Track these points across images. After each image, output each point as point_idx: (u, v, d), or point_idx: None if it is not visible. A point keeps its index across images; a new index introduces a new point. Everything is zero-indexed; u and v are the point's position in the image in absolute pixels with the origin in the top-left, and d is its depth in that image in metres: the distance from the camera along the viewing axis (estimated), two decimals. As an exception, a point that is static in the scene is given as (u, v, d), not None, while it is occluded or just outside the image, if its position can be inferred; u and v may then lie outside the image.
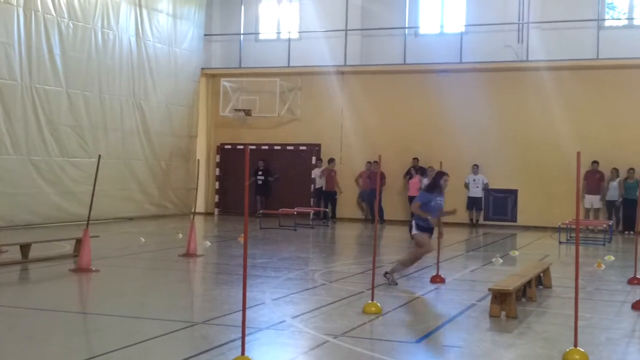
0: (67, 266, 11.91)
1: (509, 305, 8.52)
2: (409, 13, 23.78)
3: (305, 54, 24.05)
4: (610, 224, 19.11)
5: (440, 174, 10.78)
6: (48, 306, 8.88)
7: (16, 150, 18.36)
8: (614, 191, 20.70)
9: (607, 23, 22.39)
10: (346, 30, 23.74)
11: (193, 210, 14.97)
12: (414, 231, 10.72)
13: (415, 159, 22.55)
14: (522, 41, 22.23)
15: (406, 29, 23.68)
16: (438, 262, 11.31)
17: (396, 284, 10.55)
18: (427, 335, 7.67)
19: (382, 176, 22.56)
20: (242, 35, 25.27)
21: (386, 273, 10.70)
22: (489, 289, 8.76)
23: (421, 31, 24.22)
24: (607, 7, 22.62)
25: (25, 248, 12.52)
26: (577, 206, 7.15)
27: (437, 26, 24.05)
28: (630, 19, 22.34)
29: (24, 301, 9.26)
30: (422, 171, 22.16)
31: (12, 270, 11.80)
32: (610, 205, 20.87)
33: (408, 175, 22.56)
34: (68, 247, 13.58)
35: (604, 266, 13.18)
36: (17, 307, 8.75)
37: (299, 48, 24.44)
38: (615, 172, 20.69)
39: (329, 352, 6.94)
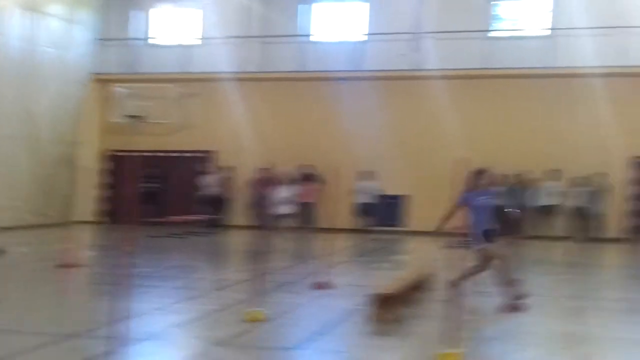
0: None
1: (391, 309, 8.63)
2: (308, 21, 23.94)
3: (204, 61, 23.79)
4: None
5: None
6: None
7: None
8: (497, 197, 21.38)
9: (494, 34, 23.21)
10: (243, 36, 23.67)
11: (78, 219, 14.50)
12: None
13: (310, 166, 22.55)
14: (418, 50, 22.76)
15: (300, 36, 23.86)
16: (324, 269, 11.35)
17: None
18: (309, 341, 7.67)
19: (279, 183, 22.58)
20: (136, 41, 24.74)
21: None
22: (372, 294, 8.86)
23: (319, 39, 24.42)
24: (494, 19, 23.47)
25: None
26: (443, 213, 7.32)
27: (336, 34, 24.30)
28: (516, 30, 23.21)
29: None
30: (316, 178, 22.22)
31: None
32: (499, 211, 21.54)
33: (302, 181, 22.55)
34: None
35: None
36: None
37: (198, 54, 24.15)
38: (504, 178, 21.40)
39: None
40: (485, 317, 9.01)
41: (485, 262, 9.75)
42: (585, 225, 20.94)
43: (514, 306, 9.44)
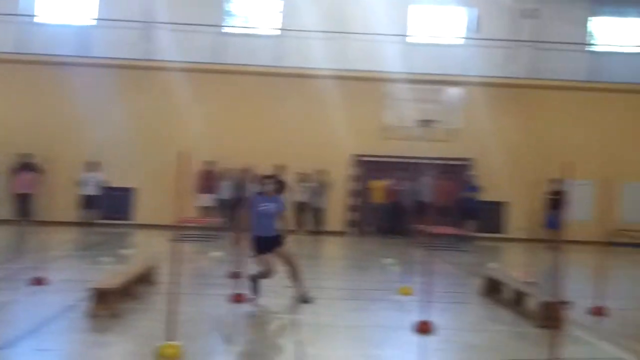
0: None
1: (110, 303, 8.41)
2: (31, 1, 22.46)
3: None
4: (221, 221, 20.06)
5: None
6: None
7: None
8: (226, 190, 21.77)
9: (227, 30, 23.49)
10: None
11: None
12: None
13: (25, 154, 21.17)
14: (149, 40, 22.33)
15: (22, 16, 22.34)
16: (41, 264, 10.73)
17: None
18: (18, 340, 7.20)
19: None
20: None
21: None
22: (90, 288, 8.56)
23: (39, 20, 22.97)
24: (227, 15, 23.74)
25: None
26: (179, 207, 7.30)
27: (63, 17, 23.02)
28: (248, 27, 23.67)
29: None
30: (33, 167, 20.94)
31: None
32: (221, 204, 21.90)
33: (16, 170, 21.10)
34: None
35: (210, 262, 13.72)
36: None
37: None
38: (229, 172, 21.80)
39: None
40: (205, 311, 9.08)
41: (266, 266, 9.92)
42: (308, 219, 22.05)
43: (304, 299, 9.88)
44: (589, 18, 23.58)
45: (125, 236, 19.29)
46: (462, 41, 23.22)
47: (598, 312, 9.78)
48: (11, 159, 21.12)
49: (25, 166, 20.98)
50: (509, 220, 22.66)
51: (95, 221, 21.40)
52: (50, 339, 7.46)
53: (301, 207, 22.06)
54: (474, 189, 21.54)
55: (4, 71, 21.83)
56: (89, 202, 21.35)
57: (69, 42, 22.21)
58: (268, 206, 9.98)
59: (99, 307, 8.39)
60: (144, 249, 16.08)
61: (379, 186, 22.08)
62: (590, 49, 23.42)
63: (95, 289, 8.49)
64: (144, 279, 10.49)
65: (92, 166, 21.25)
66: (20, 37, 22.20)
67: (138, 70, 22.12)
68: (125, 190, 22.02)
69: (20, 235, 18.57)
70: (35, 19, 23.02)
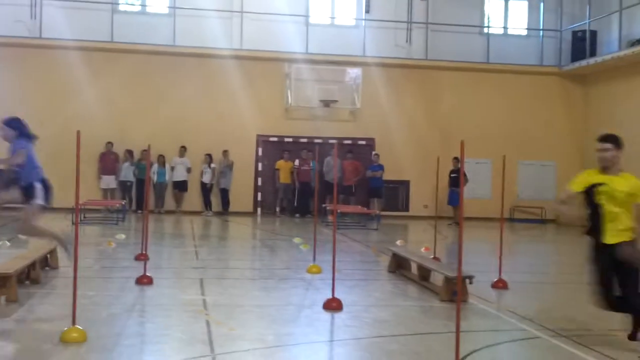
0: None
1: (9, 288, 8.08)
2: None
3: None
4: (124, 203, 19.63)
5: None
6: None
7: None
8: (127, 171, 21.31)
9: (121, 8, 22.82)
10: None
11: None
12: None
13: None
14: (35, 17, 21.46)
15: None
16: None
17: None
18: None
19: None
20: None
21: None
22: (-14, 274, 8.19)
23: None
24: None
25: None
26: (77, 189, 7.08)
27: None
28: (143, 5, 23.07)
29: None
30: None
31: None
32: (123, 186, 21.42)
33: None
34: None
35: (114, 244, 13.42)
36: None
37: None
38: (129, 153, 21.34)
39: None
40: (110, 295, 8.86)
41: None
42: (212, 199, 21.86)
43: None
44: (484, 0, 24.18)
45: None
46: (358, 22, 23.35)
47: (500, 285, 10.10)
48: None
49: None
50: (413, 199, 23.11)
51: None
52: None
53: (206, 188, 21.86)
54: (377, 168, 21.86)
55: None
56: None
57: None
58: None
59: (-3, 293, 8.05)
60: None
61: (285, 166, 22.09)
62: (485, 32, 24.03)
63: (-9, 274, 8.13)
64: (45, 263, 10.15)
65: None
66: None
67: (27, 49, 21.24)
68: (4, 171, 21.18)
69: None
70: None
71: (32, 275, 9.23)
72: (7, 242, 13.19)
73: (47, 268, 10.17)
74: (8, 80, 21.08)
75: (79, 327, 6.61)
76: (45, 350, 6.33)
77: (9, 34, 21.01)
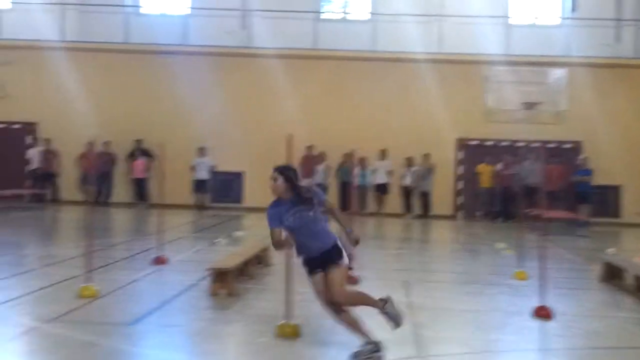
0: None
1: (228, 283, 8.63)
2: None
3: (19, 26, 22.36)
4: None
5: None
6: None
7: None
8: (321, 175, 21.89)
9: (324, 16, 23.59)
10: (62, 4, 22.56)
11: None
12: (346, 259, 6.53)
13: (138, 140, 22.05)
14: (245, 27, 22.70)
15: (127, 7, 23.12)
16: (160, 245, 11.13)
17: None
18: (144, 317, 7.51)
19: (112, 158, 21.90)
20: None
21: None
22: (208, 268, 8.82)
23: (144, 11, 23.76)
24: (323, 2, 23.86)
25: None
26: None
27: (161, 6, 23.71)
28: (345, 13, 23.68)
29: None
30: (146, 153, 21.79)
31: None
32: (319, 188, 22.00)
33: (132, 156, 22.05)
34: None
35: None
36: None
37: (12, 19, 22.68)
38: (320, 156, 21.98)
39: (38, 339, 6.54)
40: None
41: None
42: (413, 202, 21.96)
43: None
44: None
45: (236, 219, 19.75)
46: (563, 21, 22.42)
47: None
48: (128, 146, 22.05)
49: (140, 152, 21.86)
50: (624, 205, 21.85)
51: (207, 204, 22.07)
52: (174, 316, 7.73)
53: (407, 191, 22.00)
54: (585, 172, 20.87)
55: (116, 61, 22.61)
56: (200, 186, 22.04)
57: (170, 31, 22.82)
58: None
59: (218, 287, 8.63)
60: (255, 231, 16.40)
61: (487, 170, 21.71)
62: None
63: (214, 269, 8.74)
64: (259, 260, 10.73)
65: (203, 151, 21.90)
66: (127, 27, 22.91)
67: (236, 57, 22.47)
68: (234, 174, 22.52)
69: (138, 218, 19.37)
70: (141, 10, 23.80)
71: (248, 271, 9.79)
72: (222, 239, 14.07)
73: (260, 265, 10.74)
74: (219, 89, 22.39)
75: (292, 322, 6.93)
76: (261, 343, 6.70)
77: (221, 44, 22.38)
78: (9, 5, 23.13)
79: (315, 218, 6.38)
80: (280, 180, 6.45)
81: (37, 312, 7.44)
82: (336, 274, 6.33)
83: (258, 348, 6.52)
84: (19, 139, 22.51)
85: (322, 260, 6.37)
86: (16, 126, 22.56)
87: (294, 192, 6.42)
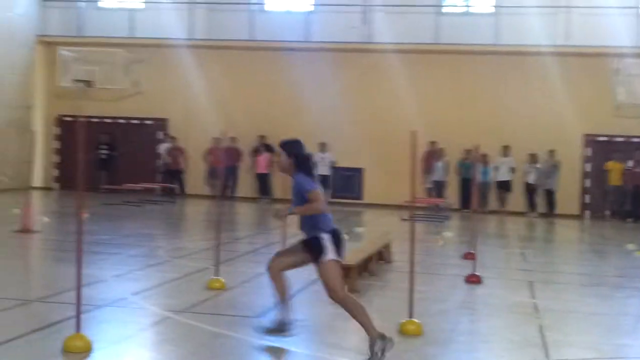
0: None
1: (350, 279, 8.71)
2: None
3: (151, 25, 23.35)
4: (446, 201, 20.07)
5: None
6: None
7: None
8: (440, 171, 21.65)
9: (445, 10, 23.33)
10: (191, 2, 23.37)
11: (30, 185, 14.20)
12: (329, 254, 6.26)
13: (262, 136, 22.58)
14: (367, 23, 22.76)
15: (252, 4, 23.66)
16: (284, 239, 11.34)
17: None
18: (270, 310, 7.69)
19: (238, 153, 22.50)
20: (81, 2, 24.11)
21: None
22: (332, 264, 8.92)
23: (268, 8, 24.26)
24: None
25: None
26: (412, 186, 7.41)
27: (285, 3, 24.12)
28: (467, 6, 23.33)
29: None
30: (270, 148, 22.26)
31: None
32: (438, 185, 21.78)
33: (256, 152, 22.61)
34: None
35: (442, 242, 13.78)
36: None
37: (144, 18, 23.71)
38: (440, 152, 21.71)
39: (170, 328, 6.83)
40: (441, 291, 9.15)
41: None
42: (537, 201, 21.39)
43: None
44: None
45: (356, 215, 19.89)
46: None
47: None
48: (252, 141, 22.63)
49: (263, 147, 22.38)
50: None
51: (327, 200, 22.29)
52: (298, 310, 7.87)
53: (531, 188, 21.45)
54: None
55: (241, 58, 23.22)
56: (321, 181, 22.26)
57: (293, 28, 23.15)
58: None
59: (340, 282, 8.72)
60: (376, 228, 16.46)
61: (616, 167, 20.85)
62: None
63: (337, 264, 8.84)
64: (380, 257, 10.77)
65: (324, 147, 22.15)
66: (252, 25, 23.44)
67: (357, 53, 22.57)
68: (355, 170, 22.65)
69: (261, 213, 19.86)
70: (265, 7, 24.31)
71: (369, 267, 9.85)
72: (344, 235, 14.16)
73: (381, 261, 10.78)
74: (340, 84, 22.54)
75: (415, 320, 6.93)
76: (385, 340, 6.72)
77: (343, 40, 22.54)
78: (142, 5, 24.19)
79: (294, 202, 6.34)
80: (284, 157, 6.40)
81: (168, 302, 7.77)
82: (321, 273, 6.25)
83: (381, 345, 6.55)
84: (151, 134, 23.56)
85: (305, 245, 6.35)
86: (148, 122, 23.60)
87: (299, 168, 6.32)
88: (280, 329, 6.53)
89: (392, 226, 16.82)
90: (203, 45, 23.21)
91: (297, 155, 6.37)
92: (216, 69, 23.03)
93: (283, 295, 6.61)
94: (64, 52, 22.96)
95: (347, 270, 8.67)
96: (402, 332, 6.83)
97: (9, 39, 22.37)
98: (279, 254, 6.68)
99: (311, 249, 6.25)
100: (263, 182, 22.47)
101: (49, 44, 23.89)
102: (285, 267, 6.58)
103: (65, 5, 24.35)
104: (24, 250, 11.82)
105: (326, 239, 6.22)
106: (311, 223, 6.25)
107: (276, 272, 6.58)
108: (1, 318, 6.84)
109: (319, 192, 6.27)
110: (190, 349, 6.10)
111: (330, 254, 6.19)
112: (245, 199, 22.22)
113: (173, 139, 23.02)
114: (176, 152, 22.91)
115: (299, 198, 6.28)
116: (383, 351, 5.95)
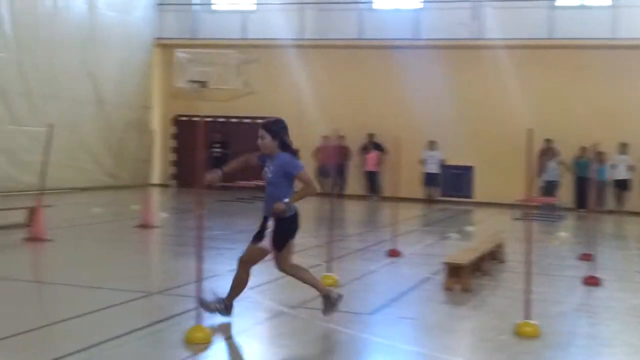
0: (20, 235, 11.69)
1: (463, 278, 8.62)
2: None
3: (261, 27, 23.83)
4: (557, 201, 19.53)
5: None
6: (1, 275, 8.72)
7: (-34, 117, 17.96)
8: (552, 171, 21.00)
9: (559, 3, 22.66)
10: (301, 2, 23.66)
11: (149, 182, 14.80)
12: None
13: (371, 134, 22.64)
14: (477, 18, 22.38)
15: (361, 3, 23.73)
16: (395, 237, 11.37)
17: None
18: (382, 307, 7.72)
19: (347, 151, 22.63)
20: (195, 5, 24.88)
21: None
22: (444, 263, 8.86)
23: (377, 6, 24.27)
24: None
25: (-25, 217, 12.27)
26: (529, 185, 7.25)
27: (393, 1, 24.07)
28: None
29: (-25, 270, 9.05)
30: (378, 146, 22.31)
31: (-38, 240, 11.57)
32: (549, 185, 21.15)
33: (365, 150, 22.68)
34: (20, 217, 13.30)
35: (556, 242, 13.42)
36: (-32, 276, 8.57)
37: (256, 20, 24.20)
38: (553, 150, 21.08)
39: (285, 323, 6.96)
40: (558, 292, 8.91)
41: None
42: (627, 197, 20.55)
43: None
44: None
45: (466, 213, 19.64)
46: None
47: None
48: (361, 139, 22.72)
49: (372, 145, 22.43)
50: None
51: (437, 198, 22.17)
52: (410, 308, 7.87)
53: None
54: None
55: (350, 56, 23.36)
56: (430, 179, 22.20)
57: (402, 26, 23.05)
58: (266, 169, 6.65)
59: (452, 282, 8.65)
60: (487, 227, 16.20)
61: None
62: None
63: (448, 263, 8.77)
64: (493, 256, 10.59)
65: (433, 145, 21.99)
66: (361, 23, 23.50)
67: (467, 50, 22.29)
68: (465, 169, 22.37)
69: (370, 210, 19.92)
70: (374, 6, 24.32)
71: (482, 267, 9.71)
72: (455, 233, 14.05)
73: (494, 261, 10.60)
74: (449, 82, 22.28)
75: (531, 322, 6.78)
76: (501, 341, 6.60)
77: (452, 37, 22.25)
78: (253, 7, 24.70)
79: (271, 182, 6.53)
80: (269, 138, 6.63)
81: (283, 297, 7.92)
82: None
83: (497, 345, 6.45)
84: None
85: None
86: (259, 121, 24.00)
87: (283, 149, 6.56)
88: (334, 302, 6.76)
89: (504, 225, 16.50)
90: (312, 45, 23.49)
91: (281, 137, 6.58)
92: (325, 68, 23.26)
93: (316, 283, 6.96)
94: (180, 54, 23.76)
95: (458, 269, 8.60)
96: (518, 333, 6.70)
97: (128, 42, 23.36)
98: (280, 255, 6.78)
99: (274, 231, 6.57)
100: (372, 180, 22.54)
101: (165, 46, 24.79)
102: (289, 258, 6.85)
103: (180, 9, 25.17)
104: (145, 245, 12.32)
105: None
106: (275, 201, 6.50)
107: (291, 268, 6.85)
108: (126, 309, 7.15)
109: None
110: (305, 344, 6.20)
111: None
112: (354, 197, 22.34)
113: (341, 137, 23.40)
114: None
115: (280, 177, 6.49)
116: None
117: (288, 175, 6.46)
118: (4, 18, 18.81)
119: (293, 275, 6.89)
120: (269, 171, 6.54)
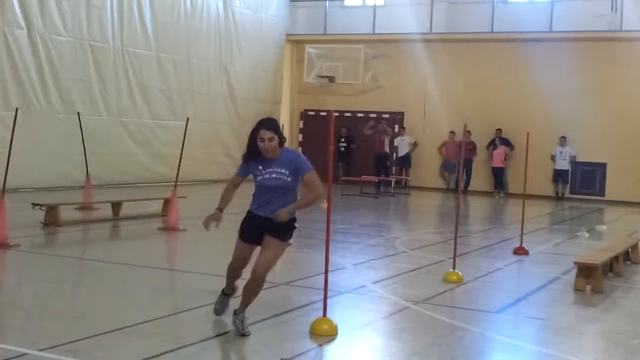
0: (156, 225, 12.29)
1: (594, 279, 8.35)
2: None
3: (390, 21, 23.82)
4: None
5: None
6: (137, 262, 9.23)
7: (108, 111, 19.00)
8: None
9: None
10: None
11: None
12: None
13: (499, 130, 22.18)
14: (616, 10, 21.43)
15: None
16: (522, 234, 11.15)
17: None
18: (508, 306, 7.61)
19: (474, 147, 22.34)
20: (327, 1, 25.18)
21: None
22: (575, 262, 8.61)
23: (511, -1, 23.77)
24: None
25: (116, 206, 12.98)
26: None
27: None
28: None
29: (115, 256, 9.57)
30: (506, 142, 21.84)
31: (104, 227, 12.29)
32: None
33: (492, 146, 22.27)
34: (156, 207, 13.97)
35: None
36: (108, 262, 9.09)
37: (385, 15, 24.22)
38: None
39: (409, 318, 6.98)
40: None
41: None
42: None
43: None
44: None
45: (597, 212, 18.94)
46: None
47: None
48: (487, 135, 22.33)
49: (500, 141, 22.00)
50: None
51: (566, 195, 21.51)
52: (538, 308, 7.70)
53: None
54: None
55: (481, 50, 22.98)
56: (560, 176, 21.55)
57: (536, 18, 22.40)
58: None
59: (584, 282, 8.40)
60: (620, 226, 15.58)
61: None
62: None
63: (580, 263, 8.51)
64: (627, 257, 10.20)
65: (564, 141, 21.33)
66: (493, 17, 23.03)
67: (603, 42, 21.46)
68: (597, 165, 21.56)
69: (496, 207, 19.57)
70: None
71: (615, 268, 9.37)
72: (586, 233, 13.60)
73: (628, 262, 10.20)
74: (583, 76, 21.50)
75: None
76: (633, 346, 6.34)
77: (588, 29, 21.44)
78: (382, 2, 24.74)
79: (279, 184, 6.03)
80: (277, 139, 5.91)
81: (406, 292, 7.94)
82: (275, 249, 6.27)
83: (629, 350, 6.22)
84: (390, 127, 24.03)
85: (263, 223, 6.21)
86: (385, 116, 24.12)
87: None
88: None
89: (638, 225, 15.81)
90: (441, 39, 23.28)
91: (282, 135, 6.03)
92: (453, 63, 23.01)
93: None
94: (310, 49, 24.20)
95: (590, 270, 8.34)
96: (653, 338, 6.44)
97: (261, 38, 23.99)
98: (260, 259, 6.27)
99: (280, 227, 6.17)
100: (498, 176, 22.10)
101: (296, 42, 25.27)
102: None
103: (312, 5, 25.56)
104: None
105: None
106: (283, 203, 6.08)
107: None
108: (263, 296, 7.39)
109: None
110: (429, 340, 6.20)
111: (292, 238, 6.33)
112: (479, 193, 22.01)
113: (403, 130, 23.44)
114: (412, 144, 23.27)
115: (290, 175, 5.99)
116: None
117: (298, 171, 6.02)
118: (146, 18, 19.77)
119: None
120: (273, 172, 6.00)
